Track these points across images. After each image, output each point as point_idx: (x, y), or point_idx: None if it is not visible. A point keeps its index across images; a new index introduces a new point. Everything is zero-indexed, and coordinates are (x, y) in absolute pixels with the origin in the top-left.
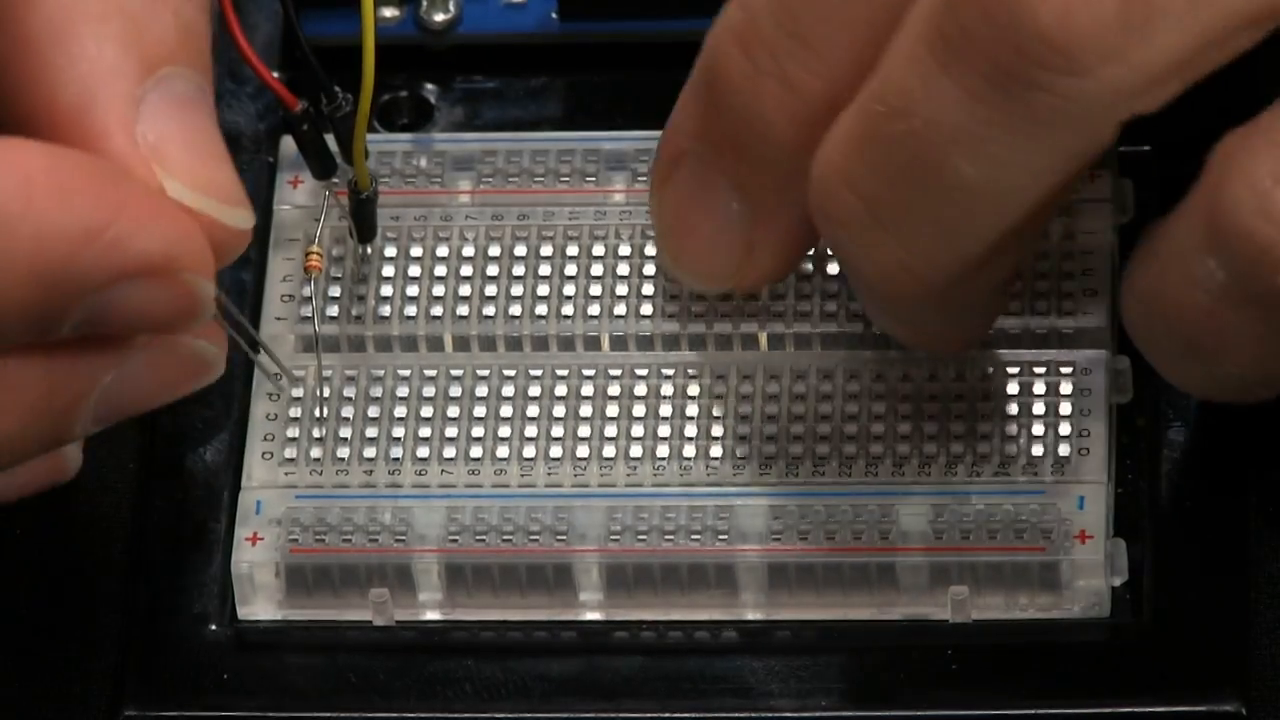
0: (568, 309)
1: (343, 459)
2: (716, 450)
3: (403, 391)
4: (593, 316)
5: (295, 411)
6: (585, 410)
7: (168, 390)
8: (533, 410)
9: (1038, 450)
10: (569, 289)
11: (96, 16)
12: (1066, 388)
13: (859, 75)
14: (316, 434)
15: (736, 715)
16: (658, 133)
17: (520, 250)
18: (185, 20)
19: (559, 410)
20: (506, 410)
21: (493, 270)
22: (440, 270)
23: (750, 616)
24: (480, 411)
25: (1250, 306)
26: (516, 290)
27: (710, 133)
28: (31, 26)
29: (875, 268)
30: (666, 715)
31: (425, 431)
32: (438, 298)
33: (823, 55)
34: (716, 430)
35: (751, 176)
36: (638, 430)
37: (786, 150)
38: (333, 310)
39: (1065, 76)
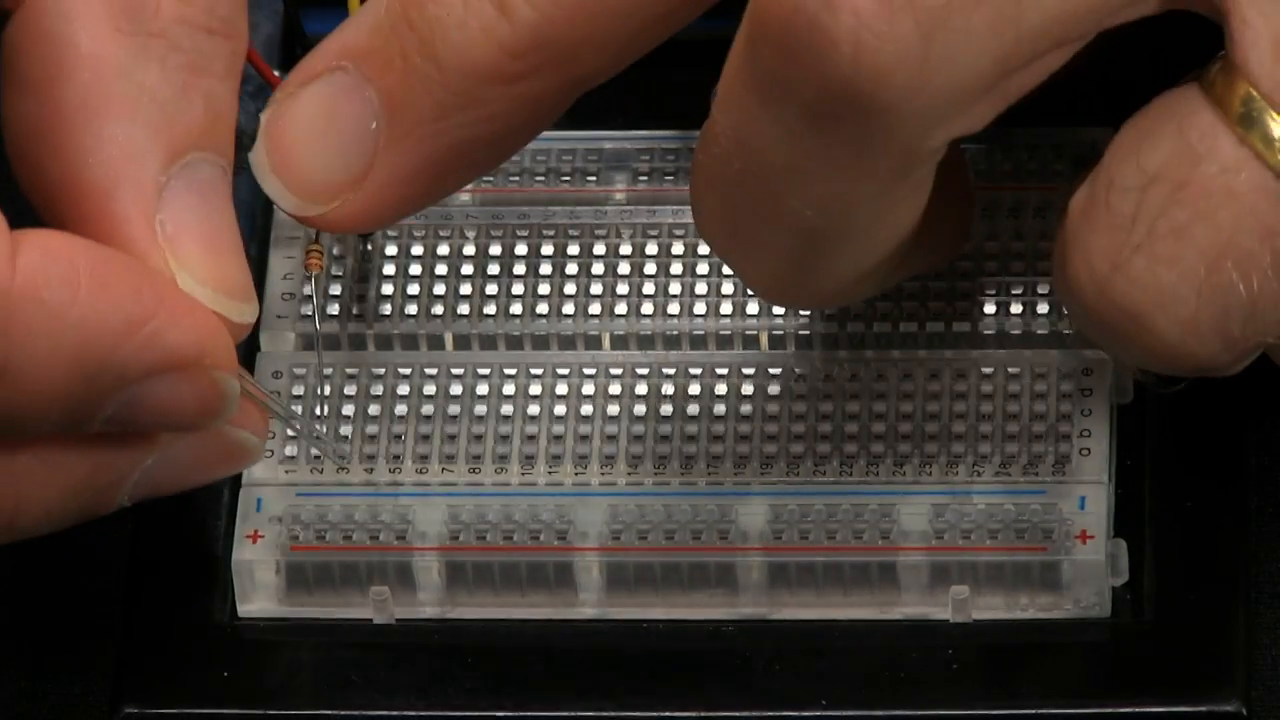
0: (569, 308)
1: (344, 457)
2: (717, 449)
3: (403, 389)
4: (594, 315)
5: (296, 409)
6: (586, 409)
7: (206, 473)
8: (534, 409)
9: (1039, 450)
10: (570, 288)
11: (129, 101)
12: (1067, 388)
13: (575, 26)
14: (316, 434)
15: (737, 714)
16: (660, 133)
17: (521, 249)
18: (216, 105)
19: (560, 409)
20: (507, 409)
21: (494, 269)
22: (441, 269)
23: (751, 616)
24: (481, 410)
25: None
26: (517, 289)
27: (385, 44)
28: (65, 101)
29: (751, 284)
30: (667, 714)
31: (426, 429)
32: (439, 296)
33: None
34: (717, 429)
35: (415, 95)
36: (639, 429)
37: (470, 76)
38: (333, 308)
39: (872, 114)
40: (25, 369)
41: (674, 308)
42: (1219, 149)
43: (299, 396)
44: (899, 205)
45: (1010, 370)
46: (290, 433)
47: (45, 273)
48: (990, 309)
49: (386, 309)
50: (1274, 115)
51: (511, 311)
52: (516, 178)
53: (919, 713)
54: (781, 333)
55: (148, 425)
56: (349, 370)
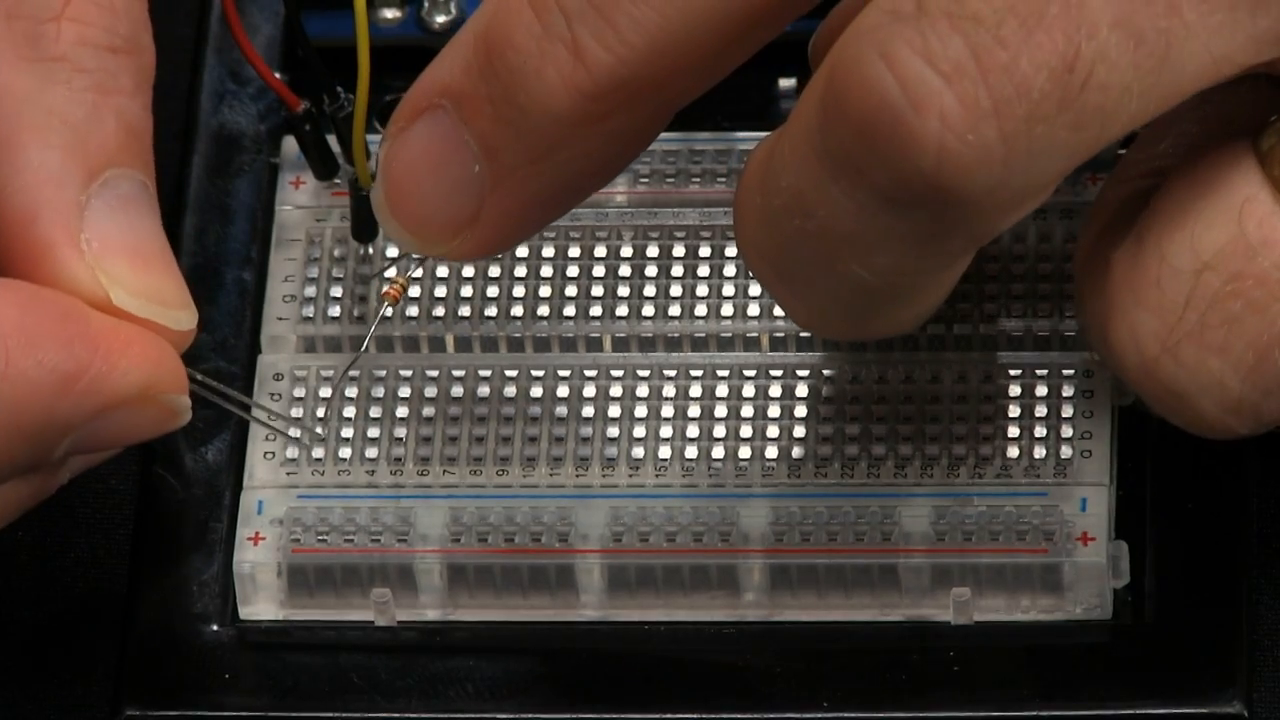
0: (570, 310)
1: (345, 459)
2: (719, 451)
3: (405, 392)
4: (595, 317)
5: (297, 411)
6: (587, 411)
7: (136, 436)
8: (535, 411)
9: (1040, 452)
10: (571, 290)
11: (40, 126)
12: (1069, 390)
13: (653, 62)
14: (319, 434)
15: (739, 716)
16: (661, 135)
17: (522, 250)
18: (128, 120)
19: (561, 411)
20: (509, 411)
21: (494, 271)
22: (442, 271)
23: (752, 618)
24: (482, 412)
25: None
26: (518, 291)
27: (475, 88)
28: None
29: (795, 319)
30: (668, 716)
31: (427, 432)
32: (440, 298)
33: (620, 32)
34: (719, 431)
35: (508, 141)
36: (640, 431)
37: (558, 121)
38: (335, 311)
39: (948, 207)
40: None
41: (675, 310)
42: (1276, 241)
43: (300, 399)
44: (956, 272)
45: (1011, 372)
46: (245, 417)
47: None
48: (991, 311)
49: (387, 312)
50: None
51: (513, 313)
52: None
53: (921, 714)
54: (783, 335)
55: (107, 448)
56: (350, 373)
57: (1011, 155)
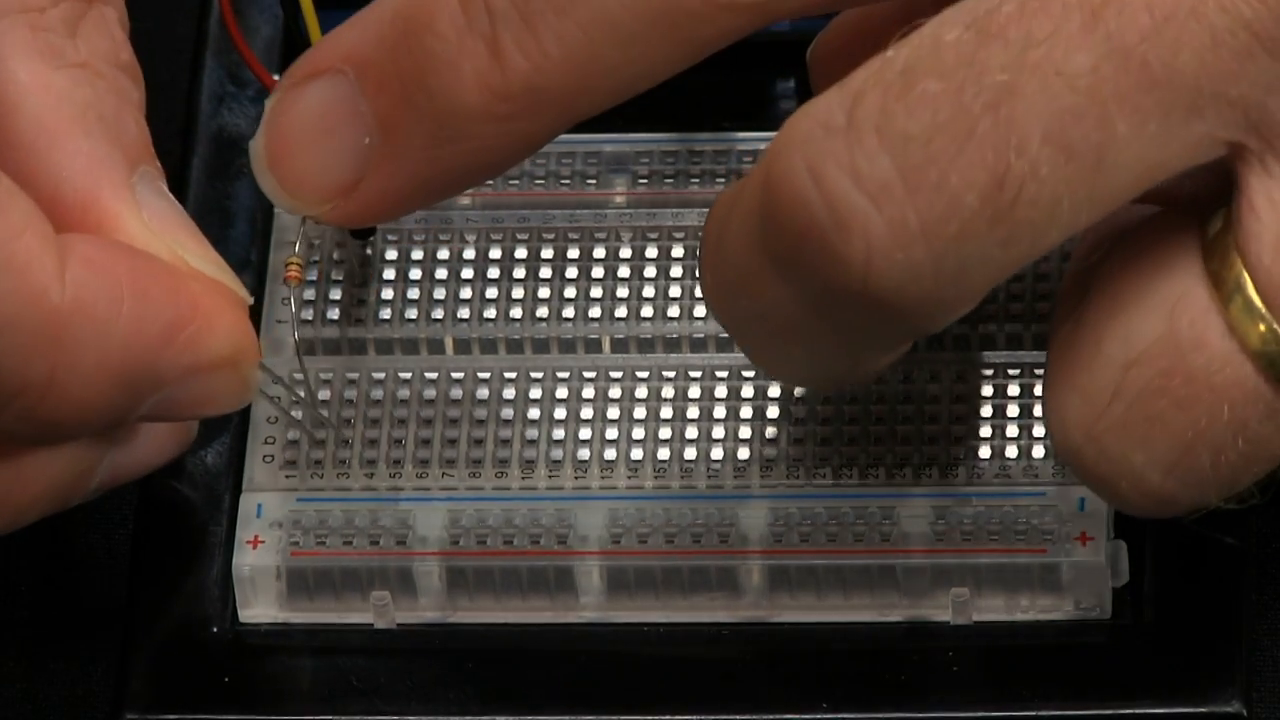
0: (568, 311)
1: (344, 462)
2: (717, 453)
3: (404, 394)
4: (594, 319)
5: (296, 414)
6: (586, 413)
7: (159, 459)
8: (534, 413)
9: (1038, 452)
10: (570, 291)
11: (80, 118)
12: None
13: (568, 75)
14: (317, 436)
15: (738, 717)
16: (659, 135)
17: (521, 253)
18: (143, 128)
19: (560, 413)
20: (507, 413)
21: (493, 273)
22: (441, 273)
23: (751, 619)
24: (481, 414)
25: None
26: (517, 293)
27: (384, 63)
28: (20, 130)
29: (754, 365)
30: (668, 718)
31: (426, 434)
32: (438, 300)
33: (541, 41)
34: (717, 432)
35: (409, 122)
36: (639, 433)
37: (463, 114)
38: (333, 313)
39: (881, 314)
40: (72, 383)
41: (674, 311)
42: (1208, 342)
43: (297, 401)
44: (907, 347)
45: (1010, 372)
46: (297, 415)
47: (92, 288)
48: (989, 311)
49: (386, 313)
50: (1264, 310)
51: (511, 315)
52: (516, 181)
53: (920, 715)
54: None
55: (176, 419)
56: (349, 375)
57: (941, 272)
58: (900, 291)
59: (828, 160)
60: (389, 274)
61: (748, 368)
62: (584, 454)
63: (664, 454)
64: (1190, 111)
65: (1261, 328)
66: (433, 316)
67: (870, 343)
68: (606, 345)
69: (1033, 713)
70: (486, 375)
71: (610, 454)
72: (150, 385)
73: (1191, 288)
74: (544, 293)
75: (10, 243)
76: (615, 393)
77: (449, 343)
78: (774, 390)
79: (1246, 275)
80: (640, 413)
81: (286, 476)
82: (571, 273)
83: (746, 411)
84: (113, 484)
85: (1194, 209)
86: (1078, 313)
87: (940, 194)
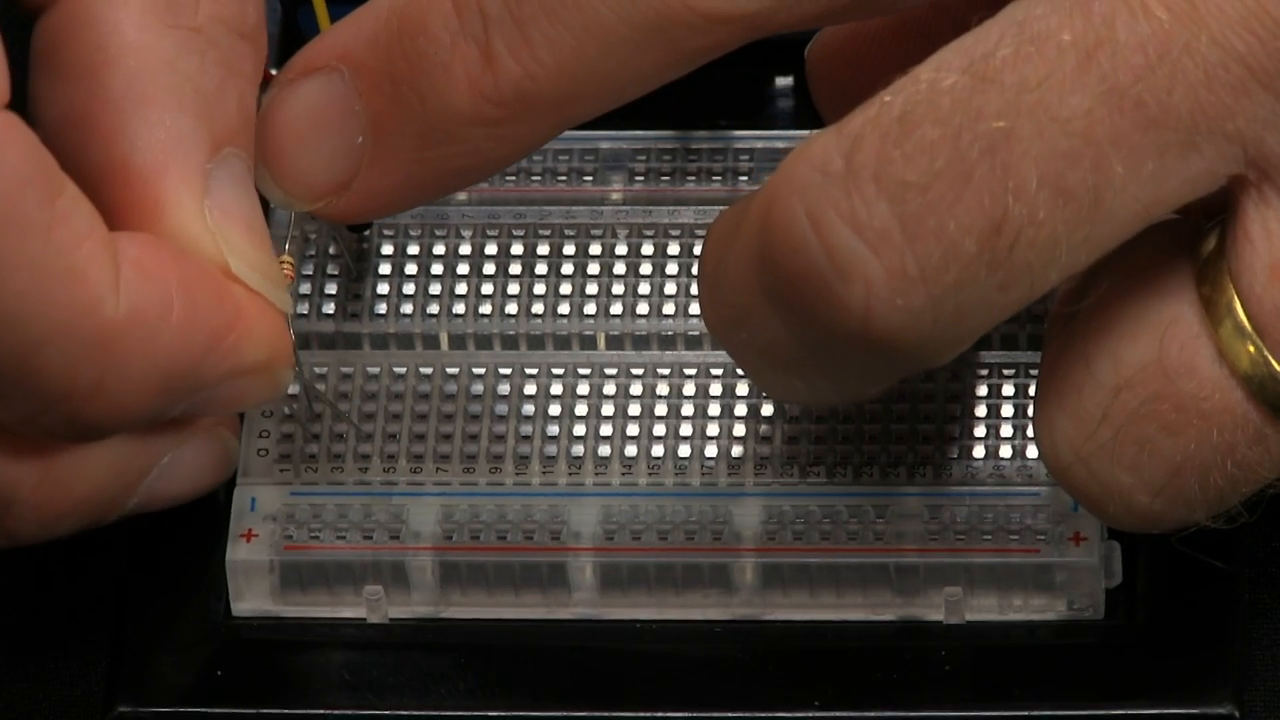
0: (564, 308)
1: (338, 456)
2: (711, 450)
3: (398, 389)
4: (589, 315)
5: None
6: (581, 409)
7: (196, 485)
8: (528, 409)
9: (1032, 452)
10: (565, 288)
11: (175, 89)
12: None
13: (559, 82)
14: (312, 431)
15: (730, 715)
16: (656, 133)
17: (517, 249)
18: (246, 104)
19: (554, 409)
20: (502, 408)
21: (489, 269)
22: (437, 268)
23: (744, 616)
24: (476, 409)
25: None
26: (513, 289)
27: (378, 63)
28: (111, 87)
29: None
30: (660, 714)
31: (420, 429)
32: (434, 296)
33: (533, 47)
34: (712, 430)
35: (400, 123)
36: (633, 429)
37: (454, 117)
38: (329, 307)
39: (880, 356)
40: (119, 389)
41: (669, 308)
42: (1197, 368)
43: (293, 396)
44: (882, 385)
45: (1005, 371)
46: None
47: (144, 296)
48: None
49: (382, 308)
50: (1254, 333)
51: (507, 311)
52: (513, 177)
53: (912, 714)
54: None
55: (205, 415)
56: (344, 369)
57: (940, 317)
58: (899, 335)
59: (826, 207)
60: (385, 269)
61: None
62: (578, 450)
63: (658, 450)
64: (1187, 148)
65: (1251, 348)
66: (428, 312)
67: (868, 378)
68: (601, 341)
69: (1025, 713)
70: (481, 371)
71: (604, 450)
72: (190, 389)
73: (1183, 313)
74: (540, 289)
75: (71, 252)
76: (610, 389)
77: (444, 338)
78: None
79: (1238, 301)
80: (635, 409)
81: (280, 470)
82: (567, 269)
83: (741, 409)
84: (147, 508)
85: (1185, 220)
86: (1068, 331)
87: (938, 241)
